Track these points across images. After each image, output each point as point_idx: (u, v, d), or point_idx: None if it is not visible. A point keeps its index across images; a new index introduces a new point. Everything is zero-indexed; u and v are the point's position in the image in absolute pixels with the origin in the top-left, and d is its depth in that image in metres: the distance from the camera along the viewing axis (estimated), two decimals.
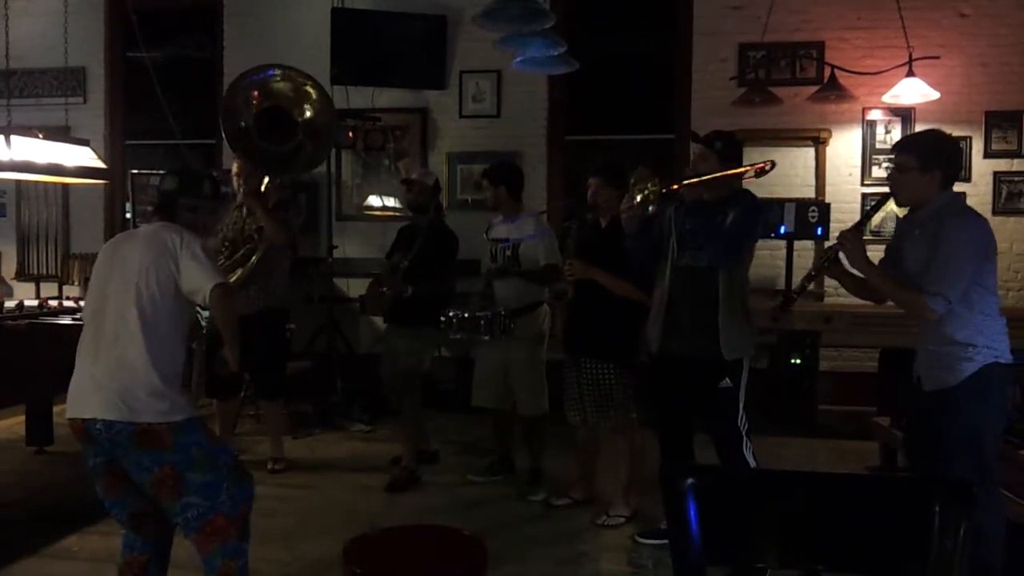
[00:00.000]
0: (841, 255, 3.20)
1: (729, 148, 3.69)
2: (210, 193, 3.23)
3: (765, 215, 3.76)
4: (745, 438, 3.63)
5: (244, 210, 4.87)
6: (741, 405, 3.63)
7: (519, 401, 4.65)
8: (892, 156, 3.21)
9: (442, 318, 4.51)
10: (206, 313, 6.34)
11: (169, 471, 2.83)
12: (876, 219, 6.37)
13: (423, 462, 5.01)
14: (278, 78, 4.57)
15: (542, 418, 4.69)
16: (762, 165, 3.70)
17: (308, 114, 4.51)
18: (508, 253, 4.63)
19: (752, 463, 3.62)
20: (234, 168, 4.93)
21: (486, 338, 4.49)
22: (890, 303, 3.34)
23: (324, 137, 4.64)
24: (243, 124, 4.46)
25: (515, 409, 4.71)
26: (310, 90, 4.55)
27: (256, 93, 4.52)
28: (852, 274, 3.26)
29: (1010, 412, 3.47)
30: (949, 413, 3.03)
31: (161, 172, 6.95)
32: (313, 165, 4.94)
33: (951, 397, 3.03)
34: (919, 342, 3.18)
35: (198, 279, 2.94)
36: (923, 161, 3.06)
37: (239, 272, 4.71)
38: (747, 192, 3.79)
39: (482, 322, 4.43)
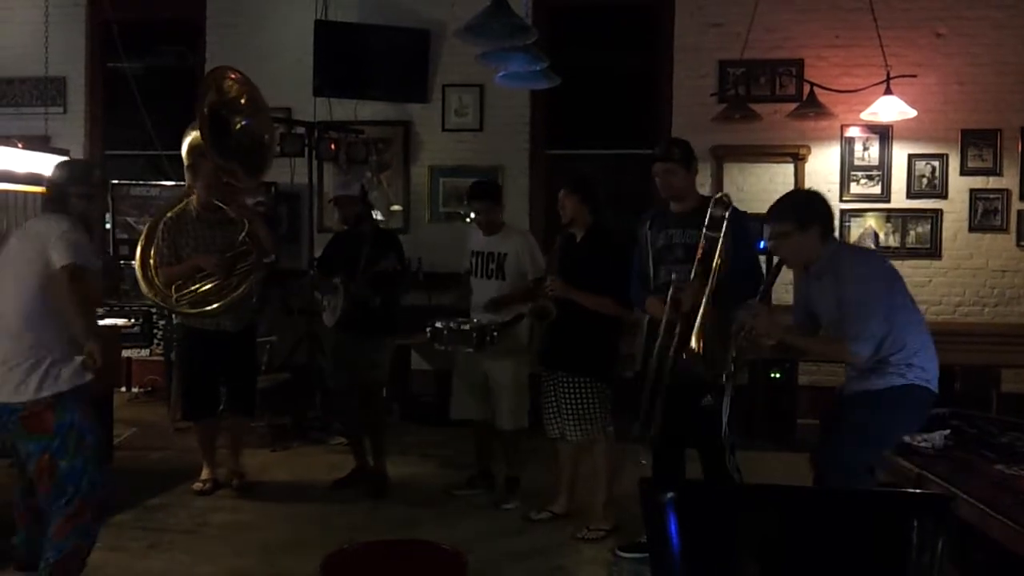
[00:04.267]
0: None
1: (686, 151, 3.80)
2: (100, 182, 3.48)
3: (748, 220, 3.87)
4: (729, 452, 3.63)
5: (216, 225, 4.69)
6: (725, 420, 3.62)
7: (499, 414, 4.63)
8: (770, 228, 3.30)
9: (428, 329, 4.52)
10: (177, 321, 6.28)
11: (48, 460, 3.01)
12: None
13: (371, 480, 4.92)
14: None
15: (520, 431, 4.69)
16: None
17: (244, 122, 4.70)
18: (493, 266, 4.62)
19: (737, 477, 3.63)
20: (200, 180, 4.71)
21: (470, 351, 4.49)
22: None
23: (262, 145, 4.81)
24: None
25: (495, 422, 4.69)
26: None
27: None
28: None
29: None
30: (861, 408, 3.13)
31: (141, 183, 6.97)
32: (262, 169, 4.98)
33: (870, 397, 3.13)
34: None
35: (55, 253, 3.05)
36: (799, 221, 3.20)
37: (244, 286, 4.63)
38: (720, 200, 3.77)
39: (474, 335, 4.42)
